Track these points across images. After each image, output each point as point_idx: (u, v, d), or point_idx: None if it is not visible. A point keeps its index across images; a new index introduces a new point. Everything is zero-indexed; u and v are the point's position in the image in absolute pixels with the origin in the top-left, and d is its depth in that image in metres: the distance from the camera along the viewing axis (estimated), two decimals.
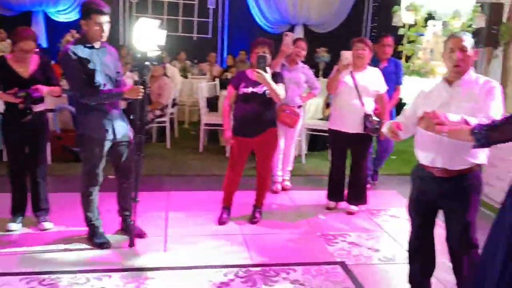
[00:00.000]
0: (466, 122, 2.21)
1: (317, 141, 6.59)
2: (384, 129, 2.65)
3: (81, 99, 3.26)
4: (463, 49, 2.43)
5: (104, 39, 3.28)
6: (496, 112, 2.33)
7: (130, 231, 3.48)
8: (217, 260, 3.31)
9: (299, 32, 10.74)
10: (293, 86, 4.56)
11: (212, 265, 3.20)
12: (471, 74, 2.49)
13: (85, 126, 3.33)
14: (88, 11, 3.18)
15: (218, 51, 10.71)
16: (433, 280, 2.77)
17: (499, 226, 2.02)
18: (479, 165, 2.50)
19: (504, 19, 6.92)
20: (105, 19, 3.21)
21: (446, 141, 2.30)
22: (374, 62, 4.62)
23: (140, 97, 3.22)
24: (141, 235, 3.60)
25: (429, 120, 2.20)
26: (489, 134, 2.04)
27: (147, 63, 3.22)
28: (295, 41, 4.64)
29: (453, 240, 2.54)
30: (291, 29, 10.68)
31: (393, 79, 4.68)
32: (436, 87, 2.58)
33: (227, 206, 4.06)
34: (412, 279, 2.79)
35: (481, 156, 2.45)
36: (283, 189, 4.95)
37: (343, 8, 10.68)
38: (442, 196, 2.51)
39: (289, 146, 4.91)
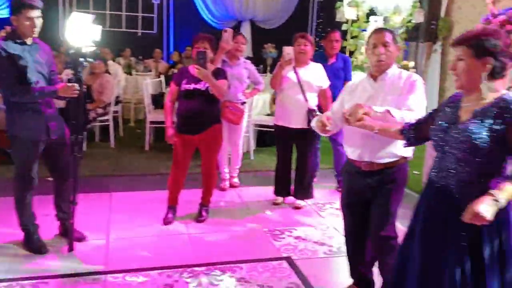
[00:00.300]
0: (390, 113, 2.28)
1: (265, 137, 6.60)
2: (313, 123, 2.63)
3: (12, 98, 3.08)
4: (385, 45, 2.46)
5: (36, 34, 3.12)
6: (417, 105, 2.39)
7: (69, 235, 3.34)
8: (161, 261, 3.22)
9: (246, 28, 10.74)
10: (235, 82, 4.51)
11: (156, 267, 3.12)
12: (394, 68, 2.53)
13: (17, 127, 3.14)
14: (18, 5, 3.02)
15: (164, 47, 10.51)
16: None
17: (415, 214, 2.09)
18: (405, 158, 2.55)
19: (442, 14, 7.19)
20: (36, 14, 3.04)
21: (372, 135, 2.32)
22: (323, 58, 4.65)
23: (75, 95, 3.07)
24: (81, 238, 3.46)
25: (355, 110, 2.22)
26: (416, 133, 2.14)
27: (81, 59, 3.08)
28: (235, 36, 4.58)
29: (375, 230, 2.57)
30: (238, 24, 10.66)
31: (341, 75, 4.71)
32: (361, 82, 2.62)
33: (172, 205, 3.97)
34: (352, 273, 2.82)
35: (407, 149, 2.47)
36: (232, 186, 4.91)
37: (289, 4, 10.77)
38: (369, 189, 2.54)
39: (236, 143, 4.87)
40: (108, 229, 3.73)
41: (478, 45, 1.83)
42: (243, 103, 4.70)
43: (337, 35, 4.75)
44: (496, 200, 1.73)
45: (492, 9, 4.53)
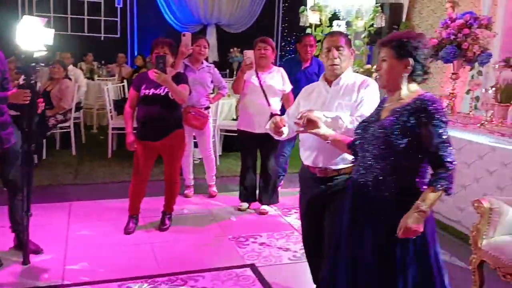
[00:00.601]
0: (341, 119, 2.31)
1: (232, 142, 6.55)
2: (267, 125, 2.59)
3: None
4: (338, 48, 2.44)
5: None
6: (369, 110, 2.36)
7: (24, 248, 3.20)
8: (122, 272, 3.13)
9: (212, 32, 10.69)
10: (198, 87, 4.44)
11: (115, 279, 3.02)
12: (349, 73, 2.52)
13: None
14: None
15: (128, 51, 10.33)
16: None
17: (340, 214, 2.16)
18: None
19: (404, 19, 7.30)
20: None
21: None
22: (297, 62, 4.62)
23: (26, 101, 2.95)
24: (37, 251, 3.32)
25: (305, 116, 2.23)
26: None
27: (32, 64, 2.96)
28: (196, 40, 4.51)
29: (329, 237, 2.49)
30: (204, 28, 10.59)
31: (315, 79, 4.66)
32: (317, 86, 2.60)
33: (133, 214, 3.88)
34: (314, 278, 2.81)
35: None
36: (210, 196, 4.79)
37: (254, 8, 10.78)
38: (324, 196, 2.52)
39: (206, 149, 4.77)
40: (67, 241, 3.60)
41: (399, 46, 1.94)
42: (207, 108, 4.64)
43: (311, 39, 4.71)
44: (422, 211, 1.84)
45: (451, 13, 4.63)
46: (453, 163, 1.88)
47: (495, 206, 2.72)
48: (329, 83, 2.52)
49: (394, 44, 1.95)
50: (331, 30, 2.44)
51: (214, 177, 4.86)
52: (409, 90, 1.97)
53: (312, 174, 2.53)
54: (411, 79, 1.96)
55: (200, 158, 5.29)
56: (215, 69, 4.71)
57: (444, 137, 1.87)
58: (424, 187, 1.93)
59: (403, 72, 1.95)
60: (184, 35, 4.32)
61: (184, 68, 4.42)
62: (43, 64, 3.10)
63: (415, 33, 2.00)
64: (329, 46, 2.45)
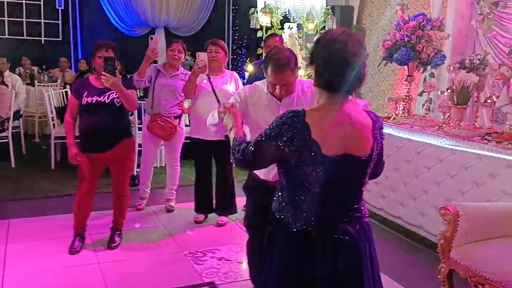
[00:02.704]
0: None
1: (187, 149, 6.25)
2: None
3: None
4: (286, 85, 2.36)
5: None
6: None
7: None
8: None
9: (160, 35, 10.32)
10: (168, 94, 4.15)
11: None
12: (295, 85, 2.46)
13: None
14: None
15: (72, 55, 9.80)
16: None
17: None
18: None
19: (354, 22, 7.31)
20: None
21: None
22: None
23: None
24: None
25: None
26: None
27: None
28: (171, 44, 4.25)
29: None
30: (152, 31, 10.22)
31: None
32: (259, 92, 2.50)
33: (79, 232, 3.57)
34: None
35: None
36: (167, 210, 4.47)
37: (203, 11, 10.53)
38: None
39: (173, 160, 4.47)
40: (4, 263, 3.25)
41: None
42: (178, 117, 4.31)
43: (277, 39, 4.43)
44: None
45: (402, 15, 4.61)
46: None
47: (462, 212, 2.64)
48: (273, 94, 2.42)
49: None
50: (276, 54, 2.23)
51: (174, 191, 4.57)
52: None
53: (265, 183, 2.42)
54: None
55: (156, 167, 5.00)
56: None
57: None
58: None
59: None
60: (151, 38, 4.03)
61: (156, 73, 4.13)
62: None
63: None
64: (276, 83, 2.32)
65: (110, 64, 3.23)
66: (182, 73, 4.25)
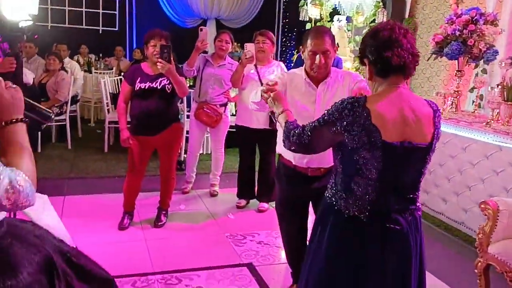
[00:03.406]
0: None
1: (232, 138, 6.41)
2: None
3: None
4: (325, 53, 2.37)
5: None
6: None
7: None
8: (114, 270, 3.00)
9: (211, 27, 10.54)
10: (215, 83, 4.29)
11: None
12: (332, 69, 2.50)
13: None
14: None
15: (127, 44, 10.19)
16: None
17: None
18: None
19: (406, 15, 7.19)
20: None
21: None
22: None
23: (12, 69, 2.93)
24: None
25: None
26: None
27: (18, 33, 2.92)
28: (218, 34, 4.36)
29: None
30: (203, 23, 10.45)
31: None
32: (295, 76, 2.52)
33: (128, 210, 3.78)
34: (296, 277, 2.70)
35: None
36: (211, 195, 4.63)
37: (254, 3, 10.64)
38: (314, 193, 2.45)
39: (218, 147, 4.62)
40: None
41: None
42: (224, 105, 4.45)
43: None
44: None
45: (456, 9, 4.52)
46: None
47: (502, 207, 2.61)
48: (314, 81, 2.45)
49: None
50: (316, 26, 2.31)
51: (218, 177, 4.72)
52: None
53: (303, 174, 2.48)
54: None
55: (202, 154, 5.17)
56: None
57: None
58: None
59: None
60: (201, 29, 4.14)
61: (204, 63, 4.29)
62: (27, 34, 3.09)
63: None
64: (314, 50, 2.35)
65: (166, 52, 3.38)
66: (229, 63, 4.37)
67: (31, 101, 1.36)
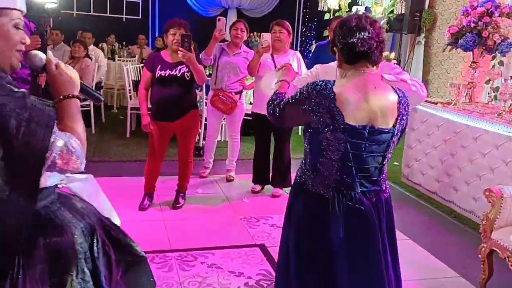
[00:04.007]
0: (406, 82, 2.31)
1: (248, 126, 6.55)
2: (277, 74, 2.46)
3: None
4: None
5: None
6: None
7: None
8: None
9: (232, 16, 10.66)
10: (230, 71, 4.42)
11: None
12: None
13: None
14: None
15: (149, 33, 10.39)
16: None
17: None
18: None
19: (426, 6, 7.18)
20: None
21: None
22: (327, 48, 4.42)
23: (38, 46, 3.13)
24: None
25: None
26: None
27: (43, 14, 3.16)
28: (234, 23, 4.47)
29: None
30: (225, 12, 10.57)
31: None
32: (330, 69, 2.62)
33: (148, 192, 3.97)
34: None
35: None
36: (227, 180, 4.79)
37: None
38: None
39: (234, 133, 4.78)
40: None
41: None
42: (238, 92, 4.59)
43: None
44: None
45: (472, 1, 4.54)
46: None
47: (506, 195, 2.70)
48: None
49: None
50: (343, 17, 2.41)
51: (234, 162, 4.87)
52: None
53: None
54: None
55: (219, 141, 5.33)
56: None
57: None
58: None
59: None
60: (219, 19, 4.26)
61: (220, 52, 4.42)
62: (52, 15, 3.34)
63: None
64: None
65: (187, 41, 3.53)
66: (244, 51, 4.50)
67: (85, 84, 1.56)
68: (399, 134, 1.87)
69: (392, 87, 1.88)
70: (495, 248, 2.74)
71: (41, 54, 1.48)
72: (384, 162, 1.89)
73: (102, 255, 1.58)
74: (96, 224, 1.62)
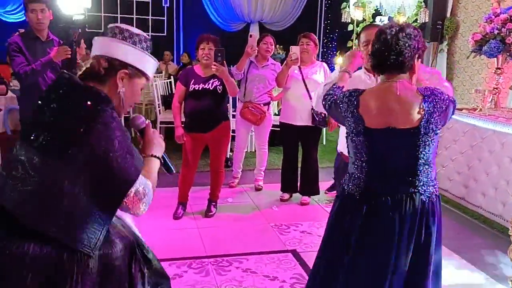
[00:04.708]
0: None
1: (275, 136, 6.67)
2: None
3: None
4: None
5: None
6: None
7: None
8: (171, 253, 3.35)
9: (255, 30, 10.85)
10: (258, 83, 4.57)
11: (165, 258, 3.23)
12: None
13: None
14: None
15: (174, 49, 10.67)
16: None
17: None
18: None
19: (448, 14, 7.23)
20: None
21: None
22: None
23: (69, 56, 3.36)
24: None
25: None
26: None
27: (72, 26, 3.40)
28: (262, 37, 4.64)
29: None
30: (247, 26, 10.78)
31: None
32: (358, 75, 2.72)
33: (182, 201, 4.12)
34: None
35: None
36: (256, 189, 4.91)
37: (297, 5, 10.86)
38: None
39: (262, 143, 4.91)
40: None
41: None
42: (267, 103, 4.73)
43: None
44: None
45: (494, 8, 4.60)
46: None
47: None
48: (371, 73, 2.62)
49: None
50: (368, 24, 2.51)
51: (262, 172, 5.00)
52: None
53: None
54: None
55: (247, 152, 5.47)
56: (280, 67, 4.51)
57: None
58: None
59: None
60: (250, 36, 4.46)
61: (249, 64, 4.57)
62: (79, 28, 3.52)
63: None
64: (368, 39, 2.55)
65: (220, 55, 3.71)
66: (271, 63, 4.66)
67: (165, 154, 1.86)
68: (430, 133, 1.90)
69: (418, 88, 1.95)
70: None
71: (143, 118, 1.77)
72: (417, 163, 1.92)
73: (139, 274, 1.72)
74: (134, 242, 1.75)
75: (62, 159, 1.47)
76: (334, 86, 2.19)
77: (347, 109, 1.96)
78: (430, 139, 1.92)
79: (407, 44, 1.88)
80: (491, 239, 3.77)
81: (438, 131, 1.93)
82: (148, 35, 9.07)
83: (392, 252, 1.92)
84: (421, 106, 1.89)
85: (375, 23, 6.02)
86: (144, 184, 1.55)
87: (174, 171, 1.93)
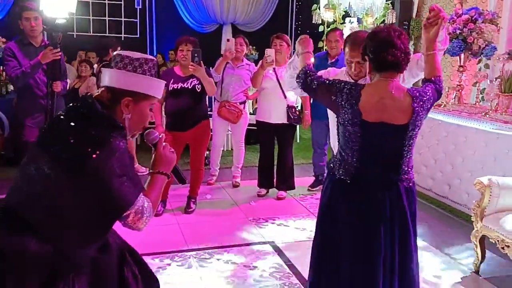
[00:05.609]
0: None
1: (251, 135, 6.79)
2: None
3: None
4: (359, 63, 2.45)
5: None
6: None
7: None
8: (153, 248, 3.44)
9: (227, 31, 10.98)
10: (235, 83, 4.69)
11: (149, 253, 3.32)
12: None
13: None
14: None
15: (148, 50, 10.68)
16: None
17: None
18: None
19: (414, 15, 7.53)
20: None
21: None
22: (324, 58, 4.60)
23: (57, 57, 3.50)
24: None
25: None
26: None
27: (56, 29, 3.50)
28: (234, 38, 4.76)
29: None
30: (220, 28, 10.89)
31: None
32: (340, 73, 2.84)
33: (162, 199, 4.20)
34: None
35: None
36: (233, 186, 5.04)
37: (268, 7, 11.05)
38: None
39: (239, 141, 5.04)
40: None
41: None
42: (243, 102, 4.85)
43: (336, 34, 4.61)
44: None
45: (457, 9, 4.86)
46: None
47: (494, 183, 2.98)
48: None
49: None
50: (354, 33, 2.53)
51: (240, 169, 5.13)
52: None
53: None
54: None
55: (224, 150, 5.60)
56: (255, 67, 4.66)
57: None
58: None
59: None
60: (228, 40, 4.58)
61: (225, 65, 4.66)
62: (60, 33, 3.59)
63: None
64: (350, 60, 2.49)
65: (197, 56, 3.84)
66: (246, 63, 4.82)
67: (178, 166, 1.87)
68: (416, 128, 2.13)
69: (408, 89, 2.13)
70: (486, 234, 3.01)
71: (157, 133, 1.81)
72: (402, 155, 2.14)
73: (132, 277, 1.81)
74: (123, 246, 1.86)
75: (70, 171, 1.54)
76: (307, 69, 2.30)
77: (347, 100, 2.09)
78: (414, 133, 2.15)
79: (403, 46, 2.06)
80: (457, 227, 4.00)
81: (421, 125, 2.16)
82: (122, 37, 9.04)
83: (381, 230, 2.12)
84: (411, 107, 2.08)
85: (348, 26, 6.22)
86: (143, 203, 1.63)
87: (186, 182, 2.00)
